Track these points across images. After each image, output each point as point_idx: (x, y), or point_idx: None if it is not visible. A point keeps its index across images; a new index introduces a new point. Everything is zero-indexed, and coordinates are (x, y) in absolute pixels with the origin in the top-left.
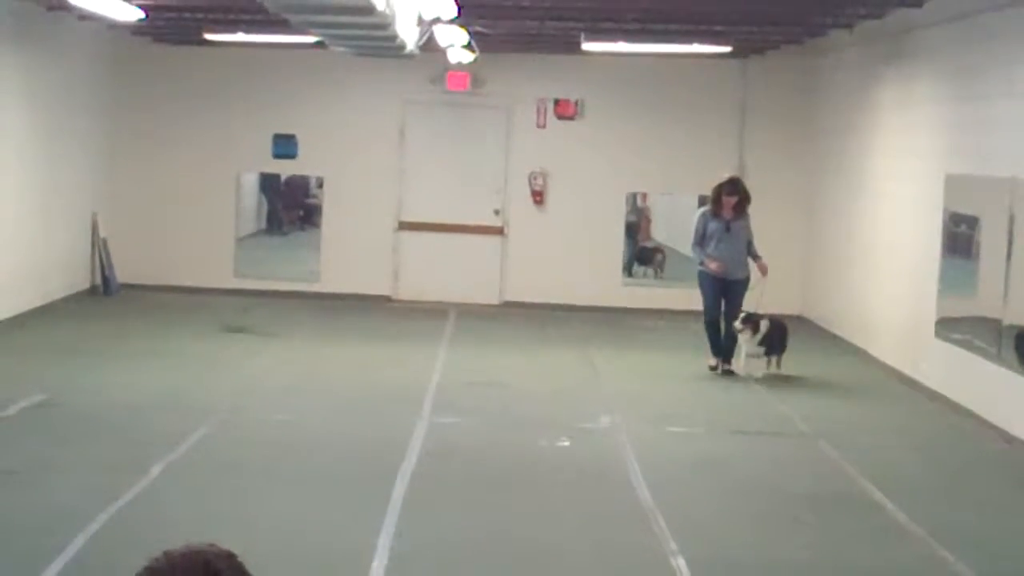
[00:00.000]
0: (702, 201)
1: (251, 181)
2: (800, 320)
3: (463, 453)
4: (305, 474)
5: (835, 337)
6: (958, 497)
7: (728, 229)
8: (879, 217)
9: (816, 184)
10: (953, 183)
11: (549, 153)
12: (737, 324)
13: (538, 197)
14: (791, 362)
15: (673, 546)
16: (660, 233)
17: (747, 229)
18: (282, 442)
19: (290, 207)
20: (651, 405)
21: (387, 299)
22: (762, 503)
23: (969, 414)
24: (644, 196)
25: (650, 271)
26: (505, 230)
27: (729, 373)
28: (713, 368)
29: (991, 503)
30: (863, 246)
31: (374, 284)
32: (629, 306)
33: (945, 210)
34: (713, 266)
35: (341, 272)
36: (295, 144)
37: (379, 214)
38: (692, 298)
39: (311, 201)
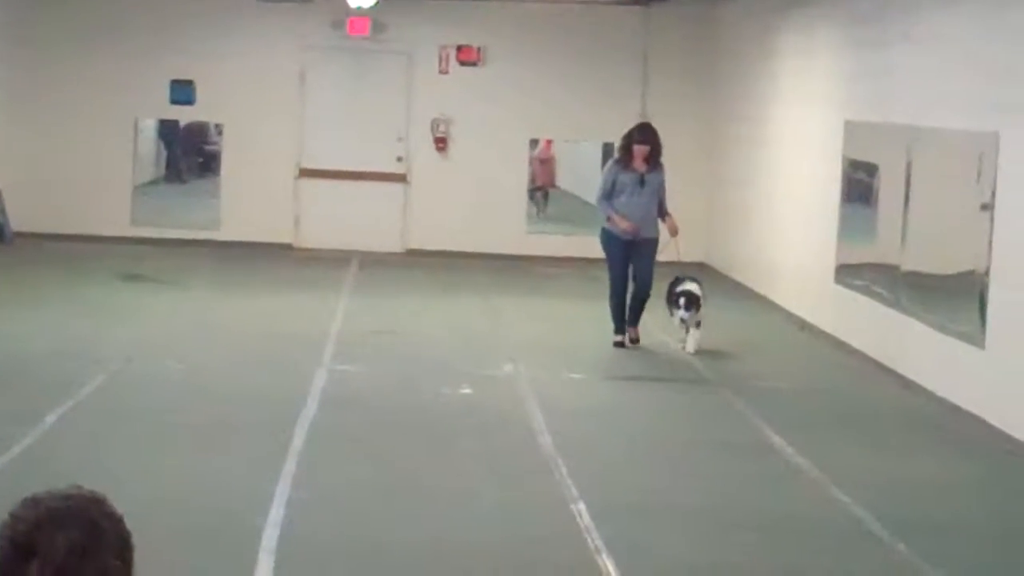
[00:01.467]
0: (606, 149)
1: (150, 127)
2: (703, 267)
3: (364, 401)
4: (203, 423)
5: (737, 284)
6: (856, 441)
7: (642, 182)
8: (780, 164)
9: (718, 132)
10: (852, 130)
11: (452, 100)
12: (683, 314)
13: (441, 144)
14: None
15: (574, 492)
16: (565, 179)
17: (661, 184)
18: (180, 391)
19: (189, 154)
20: (554, 352)
21: (288, 247)
22: (662, 449)
23: (867, 359)
24: (548, 143)
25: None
26: (408, 177)
27: (634, 342)
28: (620, 344)
29: (888, 447)
30: (764, 193)
31: (275, 232)
32: (533, 254)
33: (844, 157)
34: (623, 224)
35: (241, 220)
36: (193, 90)
37: (280, 161)
38: (594, 245)
39: (210, 148)
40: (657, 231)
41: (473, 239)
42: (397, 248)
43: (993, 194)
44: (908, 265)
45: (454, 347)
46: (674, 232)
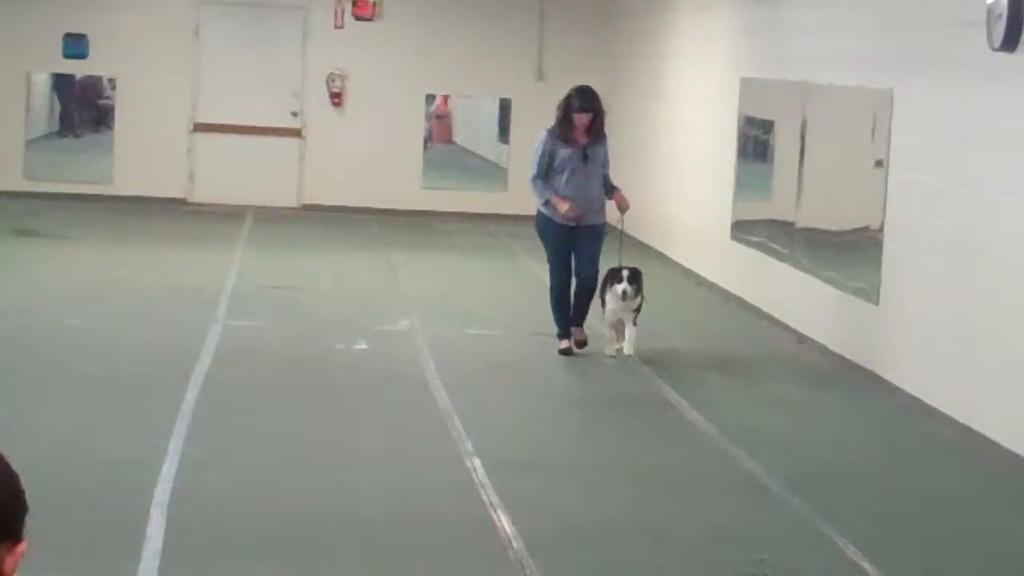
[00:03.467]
0: (504, 105)
1: (42, 81)
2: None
3: (258, 356)
4: (96, 378)
5: (635, 242)
6: (751, 396)
7: (585, 158)
8: (678, 121)
9: (616, 88)
10: (748, 87)
11: (347, 55)
12: (624, 287)
13: (337, 99)
14: None
15: (468, 447)
16: (461, 135)
17: (606, 157)
18: (72, 346)
19: (83, 108)
20: (450, 308)
21: (183, 202)
22: (558, 405)
23: (763, 315)
24: (444, 99)
25: None
26: (303, 132)
27: (581, 345)
28: (566, 351)
29: (783, 402)
30: (662, 151)
31: (169, 187)
32: (429, 209)
33: (740, 114)
34: (564, 208)
35: (135, 174)
36: (86, 44)
37: (174, 116)
38: (491, 201)
39: (104, 102)
40: (604, 215)
41: (369, 194)
42: (292, 203)
43: (887, 151)
44: (803, 221)
45: (350, 302)
46: (624, 207)
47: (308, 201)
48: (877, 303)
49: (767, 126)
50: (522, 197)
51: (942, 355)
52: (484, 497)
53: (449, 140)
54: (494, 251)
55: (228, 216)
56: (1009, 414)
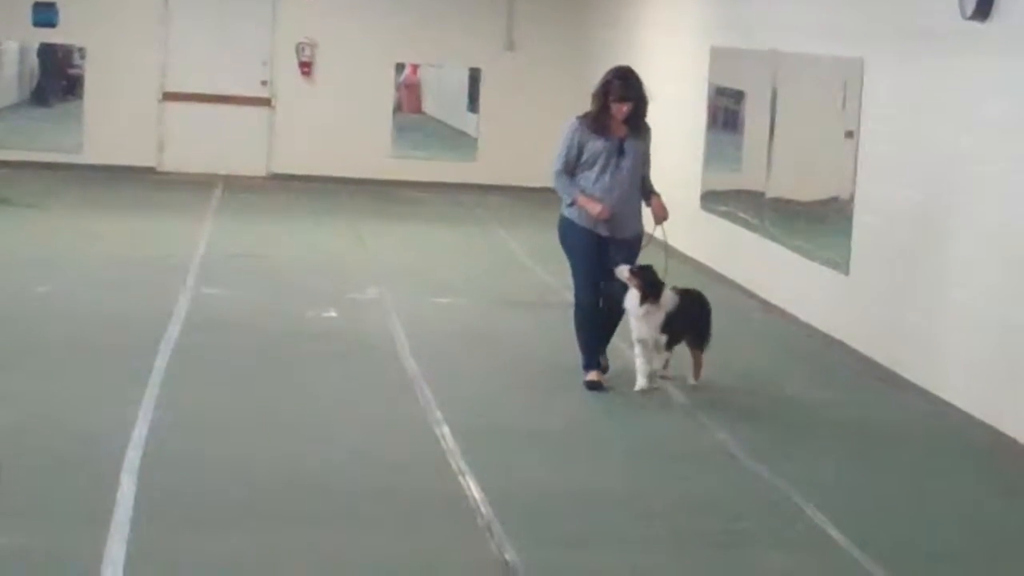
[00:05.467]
0: (473, 74)
1: (12, 50)
2: None
3: (228, 325)
4: (66, 345)
5: None
6: (720, 366)
7: (621, 153)
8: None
9: (585, 57)
10: (718, 56)
11: (317, 23)
12: (621, 272)
13: (306, 68)
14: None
15: (438, 415)
16: (429, 104)
17: (646, 155)
18: (43, 313)
19: (55, 77)
20: (419, 276)
21: (152, 171)
22: (526, 373)
23: (733, 285)
24: (414, 68)
25: None
26: (273, 102)
27: (603, 372)
28: (594, 385)
29: (752, 371)
30: None
31: (139, 155)
32: (398, 178)
33: (710, 84)
34: (596, 209)
35: (105, 143)
36: (55, 12)
37: (143, 85)
38: (460, 170)
39: (74, 71)
40: (640, 224)
41: (338, 163)
42: (261, 172)
43: (858, 120)
44: (773, 191)
45: (319, 271)
46: (662, 217)
47: (277, 170)
48: (847, 273)
49: (737, 95)
50: (491, 167)
51: (911, 325)
52: (453, 465)
53: (418, 109)
54: (463, 220)
55: (197, 185)
56: (979, 384)
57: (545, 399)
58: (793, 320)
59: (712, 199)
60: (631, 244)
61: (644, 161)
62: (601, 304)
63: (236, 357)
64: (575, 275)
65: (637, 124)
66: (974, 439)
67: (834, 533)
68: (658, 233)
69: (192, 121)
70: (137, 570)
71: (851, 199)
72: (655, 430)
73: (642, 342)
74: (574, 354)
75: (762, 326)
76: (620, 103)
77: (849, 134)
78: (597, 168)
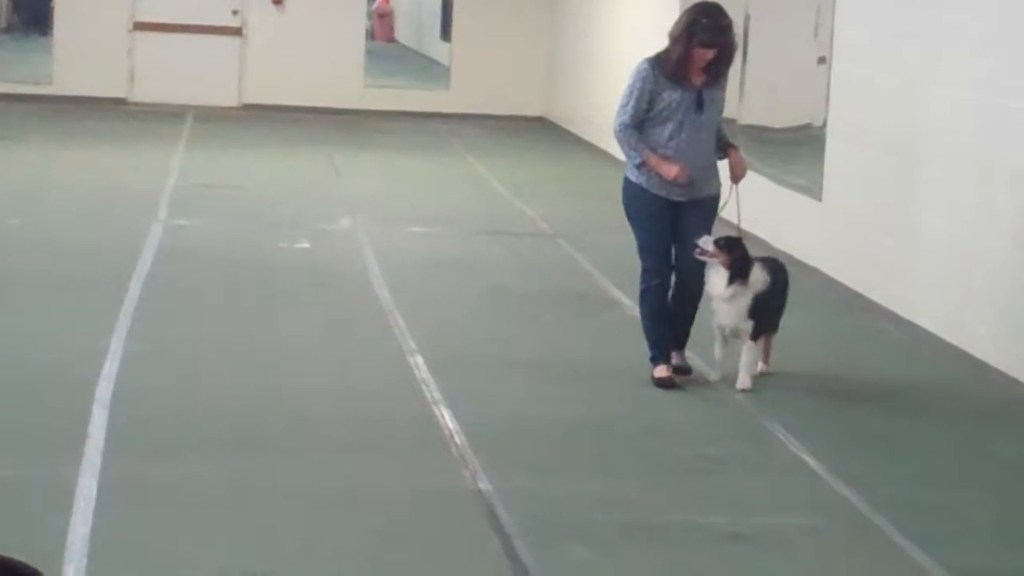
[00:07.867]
0: (446, 3)
1: None
2: (542, 122)
3: (200, 256)
4: (37, 277)
5: (577, 139)
6: None
7: (700, 106)
8: (619, 17)
9: None
10: None
11: None
12: (706, 243)
13: None
14: (537, 164)
15: (412, 344)
16: (403, 34)
17: (722, 105)
18: (13, 246)
19: (23, 7)
20: (392, 206)
21: (122, 101)
22: (500, 302)
23: None
24: None
25: None
26: (244, 31)
27: (684, 372)
28: (663, 382)
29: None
30: (603, 47)
31: (109, 86)
32: (371, 108)
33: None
34: (673, 171)
35: (74, 74)
36: None
37: (113, 14)
38: (433, 99)
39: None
40: (718, 184)
41: (310, 93)
42: (233, 102)
43: (830, 46)
44: (746, 118)
45: (291, 201)
46: (741, 174)
47: (249, 100)
48: (820, 199)
49: None
50: (464, 95)
51: (885, 250)
52: (427, 394)
53: (391, 38)
54: (436, 150)
55: (168, 116)
56: (950, 308)
57: (518, 328)
58: (766, 246)
59: None
60: (707, 204)
61: (720, 114)
62: (672, 293)
63: (208, 288)
64: (642, 250)
65: (719, 72)
66: (946, 363)
67: (809, 460)
68: (734, 195)
69: (163, 51)
70: (109, 501)
71: (823, 125)
72: (630, 356)
73: (721, 329)
74: (549, 285)
75: None
76: (707, 48)
77: (821, 60)
78: (672, 125)
